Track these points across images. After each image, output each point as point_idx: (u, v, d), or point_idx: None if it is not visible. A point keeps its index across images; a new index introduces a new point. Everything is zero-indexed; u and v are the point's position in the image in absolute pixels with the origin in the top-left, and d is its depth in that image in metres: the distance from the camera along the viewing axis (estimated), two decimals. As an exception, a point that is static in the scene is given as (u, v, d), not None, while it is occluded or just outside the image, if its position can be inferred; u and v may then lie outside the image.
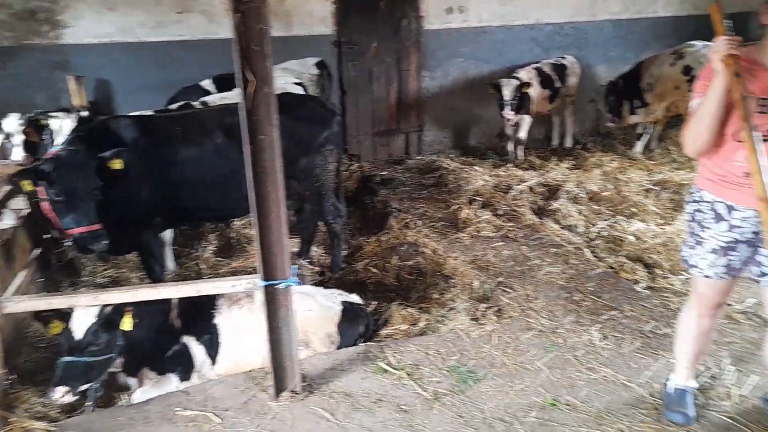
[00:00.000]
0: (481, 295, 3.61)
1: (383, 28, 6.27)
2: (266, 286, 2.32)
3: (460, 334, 3.18)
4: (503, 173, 5.75)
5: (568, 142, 6.90)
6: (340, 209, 4.16)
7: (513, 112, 5.91)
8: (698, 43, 5.78)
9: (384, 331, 3.30)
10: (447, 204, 5.15)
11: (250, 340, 2.78)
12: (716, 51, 1.93)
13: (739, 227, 2.12)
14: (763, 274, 2.16)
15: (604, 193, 5.14)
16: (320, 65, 5.59)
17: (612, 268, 3.92)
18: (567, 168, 5.90)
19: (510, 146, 6.43)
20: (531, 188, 5.31)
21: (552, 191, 5.26)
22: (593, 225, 4.58)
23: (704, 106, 2.02)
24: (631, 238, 4.28)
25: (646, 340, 3.05)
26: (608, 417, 2.47)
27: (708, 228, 2.19)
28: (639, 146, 6.39)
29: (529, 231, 4.60)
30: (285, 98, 3.96)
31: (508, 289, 3.68)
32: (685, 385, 2.48)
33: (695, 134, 2.08)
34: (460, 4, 6.33)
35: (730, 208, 2.13)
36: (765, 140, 1.96)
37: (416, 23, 6.33)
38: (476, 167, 5.98)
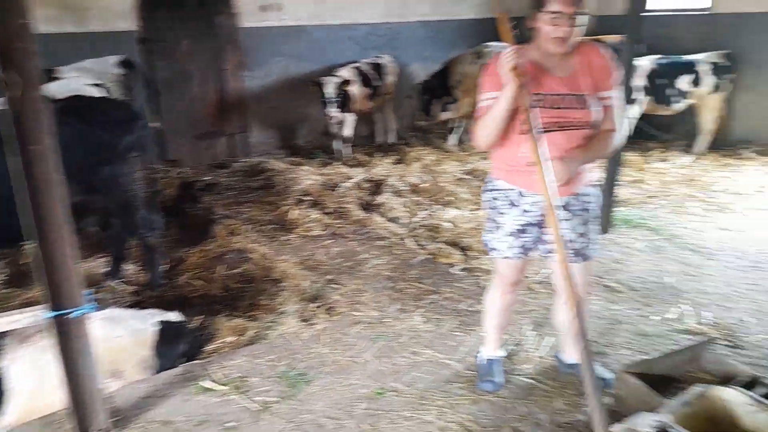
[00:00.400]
0: (311, 295, 3.60)
1: (194, 24, 5.95)
2: (55, 317, 2.04)
3: (291, 338, 3.15)
4: (331, 171, 5.83)
5: (391, 138, 7.22)
6: (154, 221, 3.85)
7: (337, 110, 6.01)
8: (494, 43, 6.39)
9: (210, 347, 3.13)
10: (275, 206, 5.07)
11: (48, 381, 2.44)
12: (503, 62, 2.07)
13: (530, 211, 2.33)
14: (549, 252, 2.42)
15: (423, 185, 5.46)
16: (125, 64, 5.12)
17: (432, 254, 4.17)
18: (390, 163, 6.17)
19: (336, 144, 6.54)
20: (358, 184, 5.45)
21: (377, 186, 5.45)
22: (415, 215, 4.84)
23: (494, 109, 2.16)
24: (448, 224, 4.60)
25: (462, 318, 3.29)
26: (429, 396, 2.61)
27: (504, 214, 2.38)
28: (452, 139, 6.90)
29: (357, 226, 4.71)
30: (77, 102, 3.57)
31: (337, 286, 3.73)
32: (493, 356, 2.72)
33: (486, 132, 2.25)
34: (276, 2, 6.25)
35: (521, 194, 2.33)
36: (542, 132, 2.15)
37: (231, 20, 6.12)
38: (304, 167, 5.99)
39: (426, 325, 3.23)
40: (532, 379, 2.74)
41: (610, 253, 4.12)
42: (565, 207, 2.31)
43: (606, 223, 4.43)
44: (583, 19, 2.10)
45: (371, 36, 7.08)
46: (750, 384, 2.44)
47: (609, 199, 4.36)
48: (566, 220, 2.32)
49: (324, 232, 4.58)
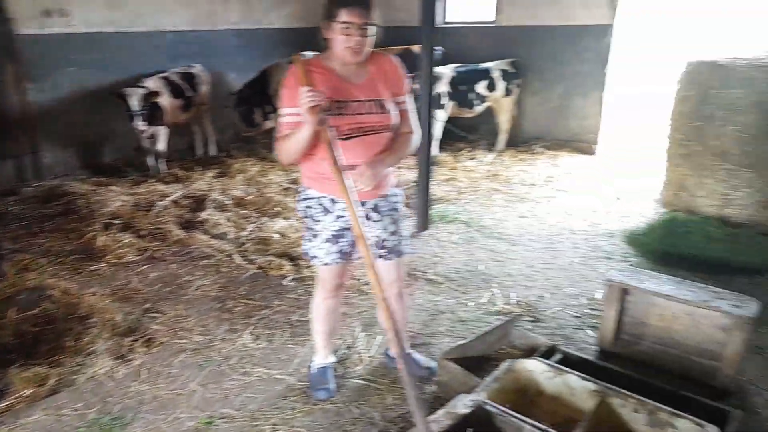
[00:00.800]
0: (126, 329, 3.27)
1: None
2: None
3: (103, 380, 2.82)
4: (144, 190, 5.38)
5: (212, 151, 6.91)
6: None
7: (144, 123, 5.57)
8: (308, 53, 6.44)
9: (0, 405, 2.68)
10: (79, 233, 4.52)
11: None
12: (302, 102, 2.04)
13: (343, 216, 2.36)
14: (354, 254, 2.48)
15: (248, 197, 5.30)
16: None
17: (261, 268, 4.06)
18: (212, 177, 5.89)
19: (150, 160, 6.07)
20: (176, 202, 5.11)
21: (198, 202, 5.17)
22: (242, 230, 4.68)
23: (296, 137, 2.13)
24: (277, 236, 4.52)
25: (294, 330, 3.25)
26: (262, 416, 2.53)
27: (320, 221, 2.39)
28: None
29: (177, 247, 4.41)
30: None
31: (156, 315, 3.44)
32: (324, 363, 2.73)
33: (288, 152, 2.23)
34: (60, 7, 5.59)
35: (333, 201, 2.35)
36: (344, 138, 2.20)
37: (5, 27, 5.32)
38: (113, 187, 5.45)
39: (257, 343, 3.13)
40: (364, 379, 2.80)
41: (430, 248, 4.40)
42: (375, 209, 2.40)
43: (425, 221, 4.73)
44: (372, 30, 2.16)
45: (179, 44, 6.69)
46: (549, 353, 2.78)
47: (425, 198, 4.65)
48: (377, 221, 2.42)
49: (139, 258, 4.21)
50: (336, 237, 2.42)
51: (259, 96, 6.47)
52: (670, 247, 4.22)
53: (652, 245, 4.30)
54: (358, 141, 2.24)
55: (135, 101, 5.43)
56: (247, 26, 7.38)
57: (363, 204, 2.33)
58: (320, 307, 2.62)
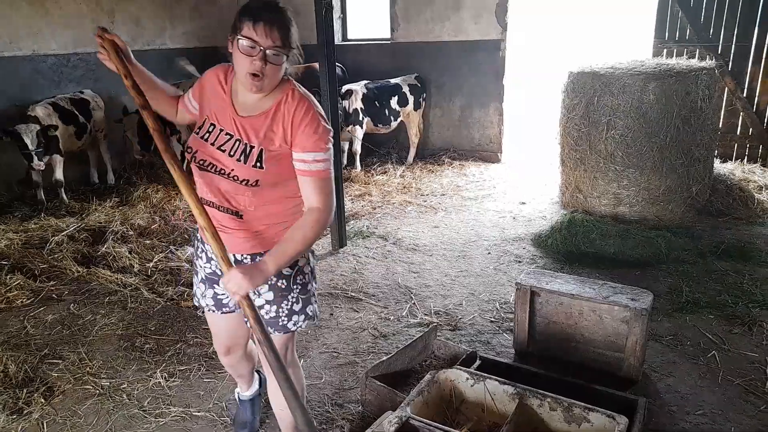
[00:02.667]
0: (21, 380, 2.98)
1: None
2: None
3: (-3, 439, 2.55)
4: (35, 226, 4.96)
5: (110, 179, 6.51)
6: None
7: (42, 162, 5.16)
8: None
9: None
10: (-38, 277, 4.08)
11: None
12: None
13: (213, 259, 2.00)
14: (238, 306, 1.96)
15: (154, 226, 5.04)
16: None
17: (172, 299, 3.87)
18: (110, 207, 5.54)
19: (40, 194, 5.61)
20: (71, 237, 4.75)
21: (97, 235, 4.84)
22: (148, 261, 4.43)
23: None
24: (187, 265, 4.32)
25: (211, 362, 3.11)
26: (182, 459, 2.40)
27: (198, 258, 2.08)
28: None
29: (76, 285, 4.09)
30: None
31: (56, 361, 3.16)
32: (246, 395, 2.63)
33: None
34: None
35: (202, 240, 2.03)
36: (198, 167, 1.84)
37: None
38: (-2, 224, 4.97)
39: (171, 380, 2.96)
40: (288, 407, 2.73)
41: (348, 264, 4.40)
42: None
43: (342, 237, 4.72)
44: (280, 59, 1.72)
45: (63, 68, 6.24)
46: (469, 360, 2.85)
47: (340, 215, 4.64)
48: None
49: (33, 300, 3.86)
50: (210, 280, 2.05)
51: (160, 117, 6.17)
52: (572, 246, 4.50)
53: (555, 246, 4.56)
54: (211, 177, 1.83)
55: (30, 141, 5.02)
56: (138, 47, 7.04)
57: (234, 256, 1.92)
58: (222, 359, 2.35)
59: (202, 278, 2.09)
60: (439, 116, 7.76)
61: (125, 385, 2.93)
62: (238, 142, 1.80)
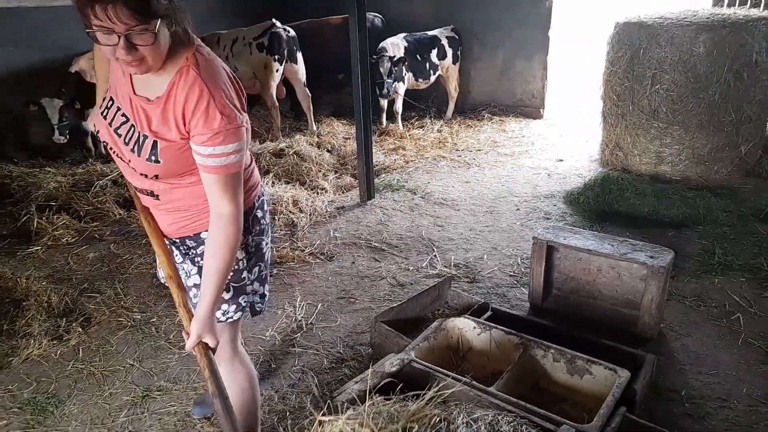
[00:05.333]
0: (62, 310, 3.23)
1: None
2: None
3: (38, 360, 2.80)
4: (82, 170, 5.23)
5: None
6: None
7: (62, 137, 5.35)
8: (276, 22, 6.18)
9: (-70, 392, 2.63)
10: (15, 217, 4.38)
11: None
12: None
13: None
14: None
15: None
16: None
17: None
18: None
19: (89, 141, 5.89)
20: (115, 181, 4.99)
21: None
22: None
23: None
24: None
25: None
26: (200, 386, 2.56)
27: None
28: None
29: (117, 227, 4.33)
30: None
31: (94, 294, 3.40)
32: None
33: None
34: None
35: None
36: (105, 148, 1.68)
37: None
38: (49, 168, 5.27)
39: (197, 316, 3.14)
40: (301, 347, 2.85)
41: (374, 216, 4.45)
42: (177, 246, 1.77)
43: (369, 190, 4.76)
44: (148, 36, 1.35)
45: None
46: (481, 310, 2.88)
47: (368, 167, 4.67)
48: (179, 263, 1.78)
49: (77, 239, 4.12)
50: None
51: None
52: (604, 205, 4.38)
53: (587, 204, 4.45)
54: (118, 162, 1.65)
55: (51, 112, 5.24)
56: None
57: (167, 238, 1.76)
58: None
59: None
60: (480, 70, 7.54)
61: (154, 319, 3.12)
62: (132, 129, 1.54)
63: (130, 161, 1.57)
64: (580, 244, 2.93)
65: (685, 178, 4.82)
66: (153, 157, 1.51)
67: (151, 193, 1.65)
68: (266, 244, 1.86)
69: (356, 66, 4.32)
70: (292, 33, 6.21)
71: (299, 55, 6.29)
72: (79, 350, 2.87)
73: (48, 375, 2.69)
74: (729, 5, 6.19)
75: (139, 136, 1.53)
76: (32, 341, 2.91)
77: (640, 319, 2.82)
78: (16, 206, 4.53)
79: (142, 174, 1.58)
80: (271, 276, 3.53)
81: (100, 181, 4.89)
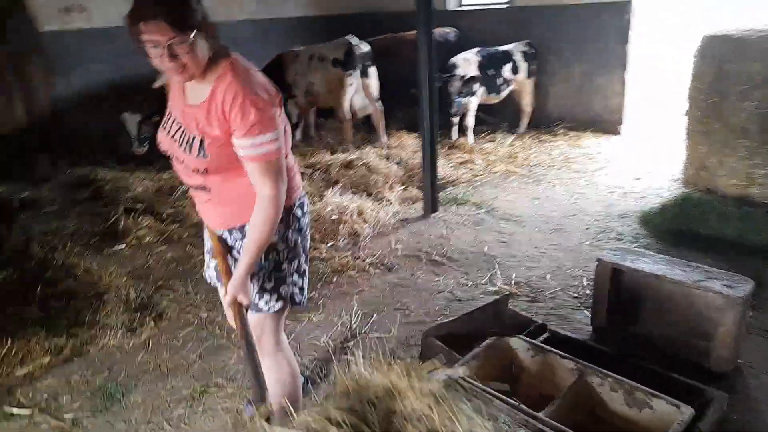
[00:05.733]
0: (138, 305, 3.46)
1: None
2: None
3: (112, 350, 3.02)
4: (167, 176, 5.59)
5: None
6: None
7: (141, 149, 5.73)
8: (353, 38, 6.40)
9: (19, 371, 2.90)
10: (104, 217, 4.76)
11: None
12: None
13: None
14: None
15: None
16: None
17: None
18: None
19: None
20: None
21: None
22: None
23: None
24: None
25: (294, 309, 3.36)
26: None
27: (205, 229, 2.09)
28: (297, 134, 6.95)
29: (195, 230, 4.58)
30: None
31: (168, 292, 3.62)
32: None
33: None
34: (79, 3, 5.79)
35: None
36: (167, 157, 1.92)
37: (29, 25, 5.58)
38: (138, 173, 5.68)
39: (258, 319, 3.26)
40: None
41: (437, 230, 4.44)
42: (221, 240, 1.95)
43: (433, 202, 4.76)
44: (185, 46, 1.60)
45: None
46: (538, 331, 2.79)
47: (432, 180, 4.67)
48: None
49: (157, 239, 4.41)
50: (209, 253, 2.10)
51: (277, 83, 6.57)
52: (683, 227, 4.13)
53: (664, 226, 4.21)
54: (175, 164, 1.90)
55: (132, 127, 5.66)
56: (264, 16, 7.48)
57: (216, 232, 1.96)
58: None
59: (207, 249, 2.12)
60: (556, 84, 7.35)
61: (219, 318, 3.28)
62: (184, 132, 1.80)
63: (183, 160, 1.82)
64: (648, 268, 2.77)
65: (778, 202, 4.44)
66: (201, 153, 1.75)
67: (203, 188, 1.87)
68: (304, 241, 2.02)
69: (423, 81, 4.35)
70: (367, 48, 6.35)
71: (372, 70, 6.41)
72: (149, 343, 3.07)
73: (120, 364, 2.89)
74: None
75: (189, 137, 1.78)
76: (109, 332, 3.15)
77: (713, 352, 2.62)
78: (106, 207, 4.92)
79: (194, 170, 1.81)
80: (330, 284, 3.63)
81: (183, 186, 5.20)
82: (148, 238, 4.42)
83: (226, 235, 1.93)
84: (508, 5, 7.43)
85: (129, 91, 6.13)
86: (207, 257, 2.14)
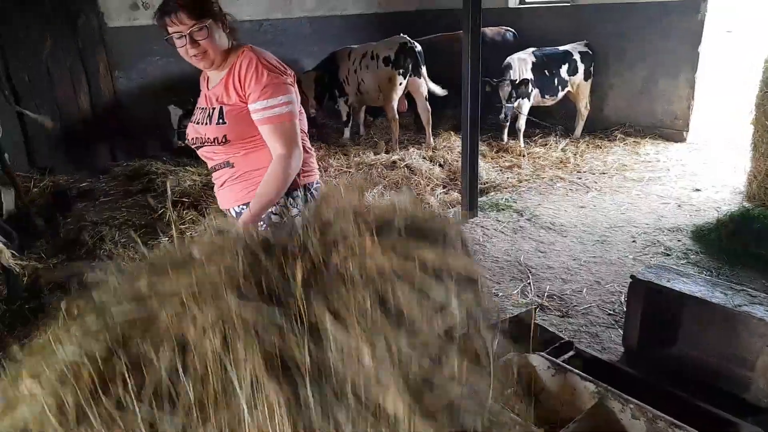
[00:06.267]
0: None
1: (55, 24, 5.67)
2: None
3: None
4: (215, 171, 5.76)
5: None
6: (9, 232, 3.72)
7: (179, 142, 5.91)
8: (405, 37, 6.37)
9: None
10: (153, 210, 4.96)
11: None
12: None
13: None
14: None
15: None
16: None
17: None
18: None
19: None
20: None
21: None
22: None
23: None
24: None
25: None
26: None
27: None
28: (347, 132, 6.98)
29: (235, 225, 4.70)
30: None
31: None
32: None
33: None
34: (144, 0, 6.07)
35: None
36: (196, 147, 2.08)
37: (97, 21, 5.89)
38: (189, 168, 5.89)
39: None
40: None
41: (474, 235, 4.34)
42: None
43: (473, 207, 4.65)
44: (205, 32, 1.85)
45: (255, 32, 6.98)
46: (563, 349, 2.67)
47: (471, 185, 4.56)
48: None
49: (196, 233, 4.55)
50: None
51: (332, 80, 6.64)
52: (739, 244, 3.83)
53: (719, 243, 3.93)
54: (203, 150, 2.07)
55: (174, 120, 5.90)
56: (322, 13, 7.56)
57: (234, 210, 2.10)
58: None
59: None
60: (616, 87, 7.02)
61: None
62: (205, 111, 2.01)
63: (206, 134, 1.97)
64: (687, 288, 2.59)
65: None
66: (220, 120, 1.93)
67: (228, 163, 2.02)
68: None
69: (466, 82, 4.26)
70: (419, 47, 6.29)
71: (423, 70, 6.35)
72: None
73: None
74: None
75: (209, 111, 1.98)
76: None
77: (754, 383, 2.41)
78: (156, 199, 5.13)
79: (215, 140, 1.95)
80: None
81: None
82: (190, 233, 4.56)
83: (243, 209, 2.02)
84: (570, 3, 7.16)
85: (183, 87, 6.36)
86: None
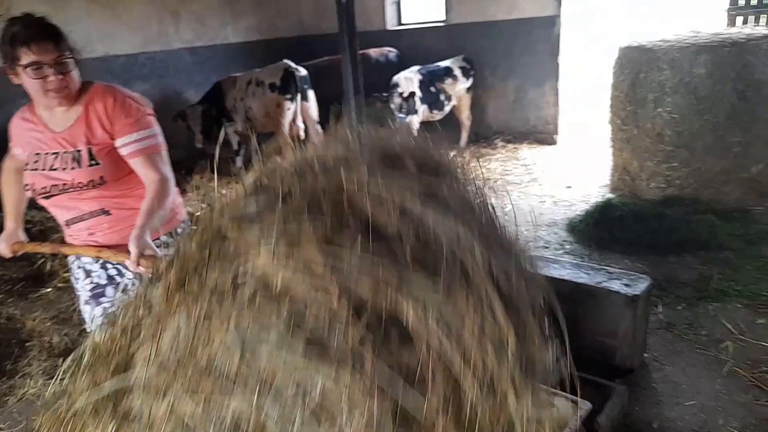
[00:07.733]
0: (62, 350, 3.39)
1: None
2: None
3: (32, 400, 2.94)
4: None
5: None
6: None
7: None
8: (290, 63, 6.44)
9: (-71, 430, 2.80)
10: (30, 260, 4.63)
11: None
12: None
13: (95, 270, 2.04)
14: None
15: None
16: None
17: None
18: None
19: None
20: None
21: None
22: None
23: None
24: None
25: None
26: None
27: (77, 281, 2.10)
28: (238, 161, 6.93)
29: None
30: None
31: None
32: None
33: None
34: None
35: (77, 257, 2.06)
36: (44, 197, 1.90)
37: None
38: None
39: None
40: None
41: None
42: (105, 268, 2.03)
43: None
44: (71, 64, 1.80)
45: (132, 67, 6.78)
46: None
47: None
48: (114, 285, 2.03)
49: (86, 279, 4.32)
50: (95, 294, 2.06)
51: (219, 110, 6.58)
52: (604, 232, 4.28)
53: (587, 232, 4.36)
54: (61, 198, 1.90)
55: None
56: (202, 43, 7.50)
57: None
58: None
59: (86, 300, 2.08)
60: (493, 98, 7.57)
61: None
62: (66, 154, 1.86)
63: (74, 179, 1.85)
64: (556, 273, 2.88)
65: (695, 201, 4.65)
66: (93, 161, 1.85)
67: (103, 211, 1.92)
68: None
69: (349, 99, 4.44)
70: (304, 72, 6.42)
71: (311, 93, 6.49)
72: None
73: (39, 412, 2.81)
74: (743, 24, 6.07)
75: (73, 154, 1.86)
76: (29, 381, 3.06)
77: (619, 349, 2.73)
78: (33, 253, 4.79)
79: (89, 183, 1.85)
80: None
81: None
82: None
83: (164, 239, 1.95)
84: (444, 23, 7.63)
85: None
86: (88, 308, 2.07)
